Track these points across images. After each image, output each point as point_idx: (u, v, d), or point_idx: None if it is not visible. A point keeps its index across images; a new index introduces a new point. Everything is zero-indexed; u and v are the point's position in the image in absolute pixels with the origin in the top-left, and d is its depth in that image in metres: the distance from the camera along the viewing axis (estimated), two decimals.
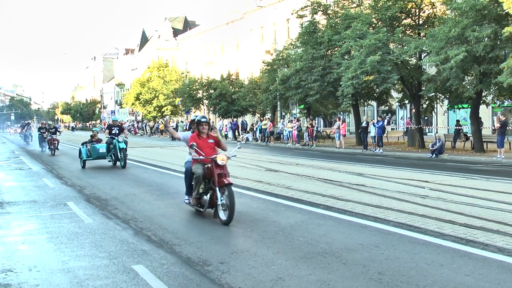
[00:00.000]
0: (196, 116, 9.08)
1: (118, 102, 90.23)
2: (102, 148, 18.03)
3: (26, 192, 12.41)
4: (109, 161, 18.15)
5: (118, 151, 17.44)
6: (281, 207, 9.46)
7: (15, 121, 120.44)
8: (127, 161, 17.82)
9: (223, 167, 8.14)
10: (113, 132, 18.11)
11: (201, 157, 8.26)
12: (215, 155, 8.21)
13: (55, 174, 16.46)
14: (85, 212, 9.40)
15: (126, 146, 17.84)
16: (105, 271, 5.79)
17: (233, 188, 11.31)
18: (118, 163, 17.89)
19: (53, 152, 24.91)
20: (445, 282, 5.16)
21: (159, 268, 5.84)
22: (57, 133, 26.39)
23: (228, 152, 8.76)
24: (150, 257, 6.32)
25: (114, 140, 17.62)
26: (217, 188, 7.98)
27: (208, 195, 8.29)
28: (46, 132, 27.08)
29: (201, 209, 8.55)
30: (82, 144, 18.73)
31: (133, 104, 64.28)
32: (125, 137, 18.12)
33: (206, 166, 8.31)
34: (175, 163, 18.85)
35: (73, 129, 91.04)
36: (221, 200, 7.93)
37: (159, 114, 59.50)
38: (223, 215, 7.95)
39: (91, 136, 18.96)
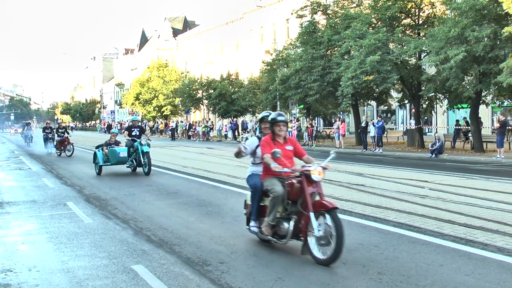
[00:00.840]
0: (269, 113, 6.71)
1: (118, 102, 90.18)
2: (122, 152, 15.80)
3: (25, 192, 12.41)
4: (128, 166, 16.11)
5: (141, 156, 15.29)
6: None
7: (14, 121, 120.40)
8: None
9: (317, 183, 6.04)
10: (133, 133, 16.09)
11: (285, 169, 6.13)
12: (306, 167, 6.06)
13: (54, 174, 16.46)
14: (84, 212, 9.40)
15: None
16: (105, 271, 5.79)
17: (232, 188, 11.34)
18: (139, 169, 15.91)
19: (65, 153, 23.59)
20: (445, 282, 5.17)
21: (159, 268, 5.84)
22: (66, 133, 24.37)
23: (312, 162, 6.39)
24: (150, 257, 6.32)
25: (135, 143, 15.59)
26: (312, 214, 5.82)
27: (291, 222, 6.08)
28: (52, 132, 25.99)
29: (280, 241, 6.30)
30: (97, 147, 16.41)
31: (132, 104, 64.27)
32: (148, 139, 15.91)
33: (288, 181, 6.21)
34: (174, 163, 18.86)
35: (72, 129, 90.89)
36: (318, 231, 5.77)
37: (159, 114, 59.49)
38: (319, 252, 5.82)
39: (109, 138, 16.99)
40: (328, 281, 5.25)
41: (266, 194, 6.46)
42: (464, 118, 27.94)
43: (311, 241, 5.88)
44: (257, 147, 6.69)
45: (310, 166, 6.07)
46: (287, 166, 6.19)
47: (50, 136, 25.91)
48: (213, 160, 20.40)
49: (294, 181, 6.11)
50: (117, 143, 16.62)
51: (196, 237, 7.33)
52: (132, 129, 16.28)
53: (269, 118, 6.50)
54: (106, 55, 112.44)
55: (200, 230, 7.79)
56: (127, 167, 16.23)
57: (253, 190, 6.68)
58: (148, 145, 15.65)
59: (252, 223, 6.76)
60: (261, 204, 6.62)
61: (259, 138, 6.72)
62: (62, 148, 23.81)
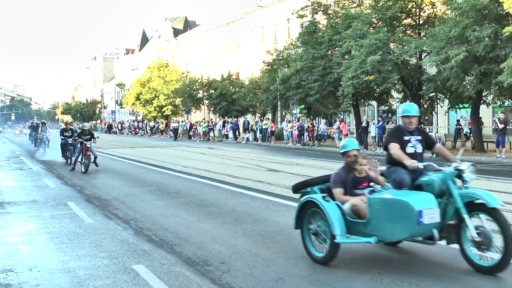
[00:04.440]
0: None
1: (119, 102, 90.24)
2: (429, 205, 5.37)
3: (26, 192, 12.42)
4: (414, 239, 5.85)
5: (466, 216, 5.47)
6: (282, 207, 9.45)
7: (15, 121, 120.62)
8: None
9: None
10: (411, 150, 6.16)
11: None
12: None
13: (55, 174, 16.45)
14: (85, 212, 9.40)
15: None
16: (106, 271, 5.80)
17: (233, 188, 11.37)
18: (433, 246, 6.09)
19: (85, 168, 16.25)
20: (446, 281, 5.16)
21: (160, 268, 5.85)
22: (93, 139, 16.92)
23: None
24: (151, 257, 6.33)
25: (437, 179, 5.69)
26: None
27: None
28: (73, 137, 18.78)
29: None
30: (304, 187, 6.72)
31: (133, 104, 64.26)
32: (471, 166, 5.83)
33: None
34: (175, 163, 18.86)
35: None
36: None
37: (160, 114, 59.53)
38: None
39: (348, 165, 6.25)
40: (329, 281, 5.25)
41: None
42: (458, 120, 27.93)
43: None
44: None
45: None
46: None
47: (70, 142, 19.03)
48: (214, 160, 20.40)
49: None
50: (368, 181, 6.12)
51: (197, 237, 7.33)
52: (407, 139, 6.22)
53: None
54: (106, 55, 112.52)
55: (201, 230, 7.79)
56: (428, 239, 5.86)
57: None
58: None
59: None
60: None
61: None
62: (86, 160, 16.36)
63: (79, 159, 16.91)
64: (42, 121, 32.08)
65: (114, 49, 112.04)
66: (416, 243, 5.85)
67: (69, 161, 19.16)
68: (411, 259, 5.96)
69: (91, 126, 22.31)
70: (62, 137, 19.94)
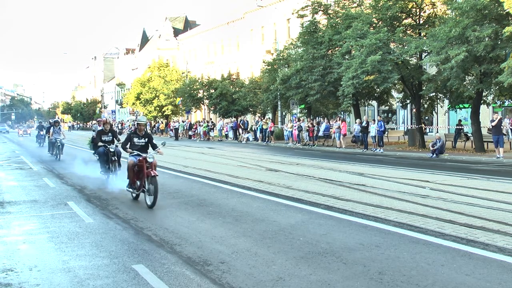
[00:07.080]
0: None
1: (119, 101, 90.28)
2: None
3: (26, 191, 12.42)
4: None
5: None
6: (282, 207, 9.46)
7: (15, 120, 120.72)
8: None
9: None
10: None
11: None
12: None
13: (55, 173, 16.45)
14: (85, 212, 9.41)
15: None
16: (106, 270, 5.80)
17: (233, 188, 11.40)
18: None
19: (151, 200, 9.77)
20: (446, 282, 5.16)
21: (160, 267, 5.85)
22: (115, 140, 13.44)
23: None
24: (151, 256, 6.33)
25: None
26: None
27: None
28: (113, 142, 13.97)
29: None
30: None
31: (133, 104, 64.26)
32: None
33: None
34: (175, 163, 18.85)
35: (69, 128, 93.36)
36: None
37: (160, 113, 59.56)
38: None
39: None
40: (329, 281, 5.25)
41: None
42: (459, 120, 27.96)
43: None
44: None
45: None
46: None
47: (113, 150, 13.78)
48: (214, 160, 20.41)
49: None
50: None
51: (197, 236, 7.33)
52: None
53: None
54: (107, 55, 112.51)
55: (201, 230, 7.79)
56: None
57: None
58: None
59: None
60: None
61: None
62: (151, 185, 9.91)
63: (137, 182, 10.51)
64: (55, 120, 25.87)
65: (114, 49, 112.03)
66: (416, 244, 5.93)
67: (107, 176, 13.68)
68: (412, 259, 5.96)
69: (89, 126, 17.72)
70: (101, 143, 13.92)
